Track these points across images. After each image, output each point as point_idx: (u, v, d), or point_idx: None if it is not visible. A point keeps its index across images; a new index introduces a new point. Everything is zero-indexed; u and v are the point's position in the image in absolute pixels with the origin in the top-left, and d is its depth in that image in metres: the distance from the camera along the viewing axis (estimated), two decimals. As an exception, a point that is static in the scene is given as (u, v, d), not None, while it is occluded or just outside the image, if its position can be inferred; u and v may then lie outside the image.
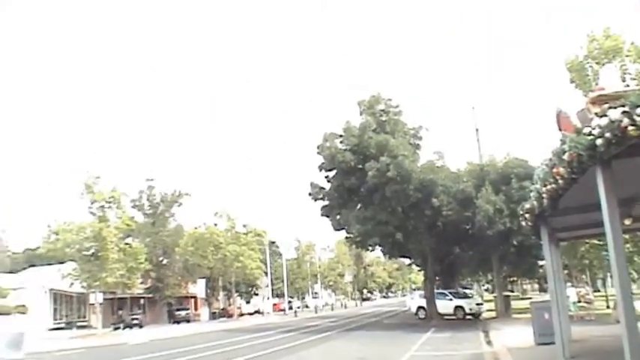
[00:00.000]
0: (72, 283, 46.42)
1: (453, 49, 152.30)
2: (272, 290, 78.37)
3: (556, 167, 8.88)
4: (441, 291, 45.32)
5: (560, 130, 9.29)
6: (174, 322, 60.91)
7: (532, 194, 11.39)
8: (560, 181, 9.00)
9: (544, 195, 10.17)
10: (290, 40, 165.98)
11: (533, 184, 11.70)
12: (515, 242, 34.51)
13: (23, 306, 55.26)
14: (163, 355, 24.89)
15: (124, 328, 52.66)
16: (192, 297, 74.23)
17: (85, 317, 60.62)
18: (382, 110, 41.52)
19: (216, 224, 63.29)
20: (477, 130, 42.48)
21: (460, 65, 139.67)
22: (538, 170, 11.04)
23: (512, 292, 67.19)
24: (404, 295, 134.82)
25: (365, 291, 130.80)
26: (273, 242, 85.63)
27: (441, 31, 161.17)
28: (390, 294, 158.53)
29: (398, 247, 44.84)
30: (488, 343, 22.96)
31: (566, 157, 8.32)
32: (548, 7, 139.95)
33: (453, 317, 42.03)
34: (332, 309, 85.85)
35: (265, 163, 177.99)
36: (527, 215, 12.80)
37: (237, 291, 71.77)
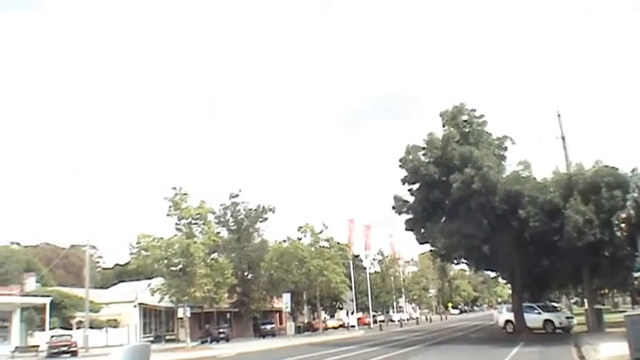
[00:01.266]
0: (161, 298, 47.52)
1: (528, 51, 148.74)
2: (356, 304, 78.10)
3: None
4: (529, 304, 44.05)
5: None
6: (260, 336, 61.54)
7: (628, 203, 10.94)
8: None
9: (642, 203, 9.72)
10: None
11: (627, 192, 11.22)
12: (606, 253, 33.11)
13: (115, 320, 57.25)
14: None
15: (211, 342, 53.58)
16: (277, 311, 74.93)
17: (173, 331, 62.12)
18: (465, 121, 40.74)
19: (300, 238, 63.66)
20: (563, 137, 41.13)
21: (541, 68, 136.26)
22: (635, 178, 10.59)
23: (603, 305, 64.59)
24: (490, 309, 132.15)
25: (450, 305, 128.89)
26: (357, 256, 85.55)
27: (513, 31, 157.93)
28: (475, 307, 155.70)
29: (484, 260, 43.98)
30: (581, 358, 22.07)
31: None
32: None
33: (542, 331, 40.74)
34: (417, 323, 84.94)
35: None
36: (622, 225, 12.31)
37: (321, 305, 71.87)
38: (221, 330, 58.34)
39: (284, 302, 58.61)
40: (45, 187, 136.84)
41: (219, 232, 56.95)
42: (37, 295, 52.43)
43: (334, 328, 75.93)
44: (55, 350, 41.07)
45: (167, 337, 58.18)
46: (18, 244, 78.69)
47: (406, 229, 43.93)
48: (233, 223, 67.71)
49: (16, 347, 44.39)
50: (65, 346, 41.95)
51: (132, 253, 47.23)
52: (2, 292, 51.31)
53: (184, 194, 46.24)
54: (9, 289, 53.75)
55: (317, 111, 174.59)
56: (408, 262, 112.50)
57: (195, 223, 46.77)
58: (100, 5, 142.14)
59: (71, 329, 50.16)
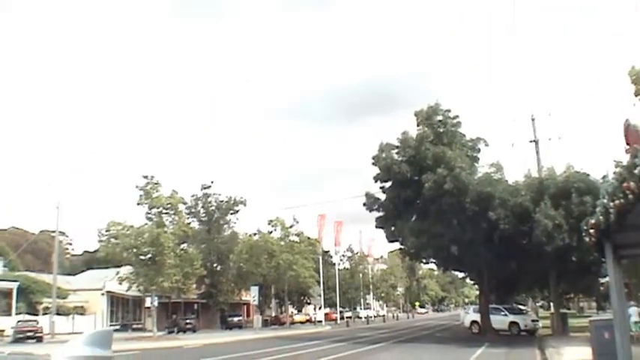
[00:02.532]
0: (129, 287, 47.21)
1: (508, 52, 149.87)
2: (324, 299, 78.36)
3: (627, 181, 8.67)
4: (495, 306, 44.67)
5: (628, 143, 9.07)
6: (227, 328, 61.49)
7: (598, 209, 11.12)
8: (630, 196, 8.77)
9: (611, 210, 9.92)
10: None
11: (596, 198, 11.43)
12: (574, 259, 33.58)
13: (82, 307, 56.83)
14: (218, 360, 25.16)
15: (177, 332, 53.42)
16: (244, 304, 74.94)
17: (140, 320, 61.88)
18: (440, 121, 41.04)
19: (270, 232, 63.65)
20: (536, 141, 41.68)
21: (518, 72, 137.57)
22: (606, 184, 10.79)
23: (569, 309, 65.63)
24: (457, 309, 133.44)
25: (417, 304, 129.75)
26: (327, 251, 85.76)
27: (497, 31, 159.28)
28: (442, 307, 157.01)
29: (453, 261, 44.36)
30: (545, 360, 22.49)
31: (637, 171, 8.12)
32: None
33: (508, 333, 41.36)
34: (384, 320, 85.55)
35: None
36: (591, 231, 12.49)
37: (289, 299, 72.00)
38: (188, 321, 58.14)
39: (252, 295, 58.66)
40: (15, 171, 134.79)
41: (189, 223, 56.55)
42: (3, 280, 51.86)
43: (301, 322, 76.04)
44: (21, 335, 40.63)
45: (134, 326, 57.87)
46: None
47: (377, 227, 44.20)
48: (204, 214, 67.45)
49: (-19, 331, 43.87)
50: (31, 331, 41.53)
51: (101, 241, 46.72)
52: (-32, 276, 50.76)
53: (156, 183, 45.84)
54: (-25, 273, 53.18)
55: (290, 104, 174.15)
56: (378, 259, 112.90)
57: (165, 213, 46.43)
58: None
59: (38, 315, 49.66)
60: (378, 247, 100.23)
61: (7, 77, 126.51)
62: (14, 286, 48.24)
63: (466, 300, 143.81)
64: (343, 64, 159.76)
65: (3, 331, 43.52)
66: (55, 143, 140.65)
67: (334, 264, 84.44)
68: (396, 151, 40.82)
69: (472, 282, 63.34)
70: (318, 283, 72.74)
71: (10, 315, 46.77)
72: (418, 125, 41.14)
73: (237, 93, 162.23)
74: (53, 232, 51.12)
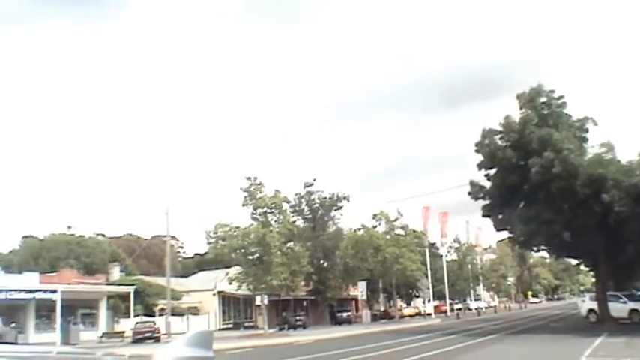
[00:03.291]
0: (239, 286, 48.34)
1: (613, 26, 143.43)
2: (433, 292, 77.35)
3: None
4: (614, 293, 42.58)
5: None
6: (336, 324, 61.73)
7: None
8: None
9: None
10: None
11: None
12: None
13: (195, 307, 58.70)
14: (330, 355, 25.19)
15: (288, 329, 54.20)
16: (353, 299, 75.06)
17: (251, 318, 63.33)
18: (543, 103, 39.49)
19: (375, 226, 63.48)
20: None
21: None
22: None
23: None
24: (572, 297, 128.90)
25: (529, 293, 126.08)
26: (433, 243, 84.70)
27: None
28: (556, 296, 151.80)
29: (565, 247, 42.78)
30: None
31: None
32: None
33: (628, 321, 39.33)
34: (495, 311, 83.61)
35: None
36: None
37: (397, 293, 71.54)
38: (298, 317, 58.89)
39: (359, 290, 58.70)
40: (127, 181, 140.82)
41: (294, 221, 57.35)
42: (121, 284, 54.29)
43: (410, 316, 75.44)
44: (140, 336, 42.29)
45: (245, 324, 59.27)
46: (103, 235, 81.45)
47: (483, 216, 43.25)
48: (308, 212, 68.00)
49: (104, 333, 46.27)
50: (149, 332, 43.13)
51: (210, 243, 48.14)
52: (90, 281, 53.47)
53: (259, 184, 46.72)
54: (96, 279, 55.94)
55: (389, 94, 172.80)
56: (486, 249, 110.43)
57: (270, 213, 47.28)
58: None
59: (154, 316, 51.65)
60: (485, 236, 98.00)
61: (109, 84, 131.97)
62: (131, 289, 50.28)
63: (581, 288, 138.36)
64: (442, 51, 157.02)
65: (123, 332, 45.50)
66: (161, 150, 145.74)
67: (441, 256, 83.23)
68: (500, 136, 39.70)
69: (587, 268, 60.65)
70: (426, 275, 71.92)
71: (128, 317, 48.81)
72: (521, 108, 39.78)
73: (337, 85, 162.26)
74: (164, 236, 52.96)
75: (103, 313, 50.10)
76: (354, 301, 76.38)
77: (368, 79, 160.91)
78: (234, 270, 49.76)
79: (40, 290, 44.14)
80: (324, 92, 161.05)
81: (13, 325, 40.75)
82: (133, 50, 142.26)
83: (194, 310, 58.13)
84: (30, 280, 47.08)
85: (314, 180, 68.31)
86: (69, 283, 47.81)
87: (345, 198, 67.85)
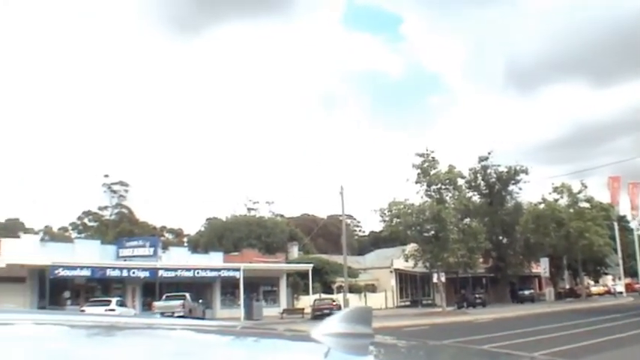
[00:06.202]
0: (415, 264, 48.04)
1: None
2: (623, 269, 72.40)
3: None
4: None
5: None
6: (518, 302, 59.60)
7: None
8: None
9: None
10: None
11: None
12: None
13: (372, 285, 59.17)
14: (511, 335, 23.97)
15: (467, 307, 53.04)
16: (535, 276, 72.03)
17: (429, 296, 62.82)
18: None
19: (556, 200, 60.36)
20: None
21: None
22: None
23: None
24: None
25: None
26: (623, 217, 79.09)
27: None
28: None
29: None
30: None
31: None
32: None
33: None
34: None
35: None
36: None
37: (584, 270, 67.73)
38: (477, 295, 57.59)
39: (542, 267, 56.06)
40: (303, 162, 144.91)
41: (470, 197, 55.94)
42: (300, 262, 55.81)
43: (599, 294, 71.43)
44: (319, 313, 43.10)
45: (423, 302, 58.91)
46: (282, 216, 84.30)
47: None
48: (484, 187, 65.87)
49: (284, 309, 47.87)
50: (327, 309, 43.82)
51: (384, 221, 48.18)
52: (270, 260, 55.45)
53: (433, 160, 45.97)
54: (275, 257, 57.95)
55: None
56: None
57: (445, 189, 46.48)
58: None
59: (332, 293, 52.61)
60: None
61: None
62: (309, 267, 51.42)
63: None
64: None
65: (303, 309, 46.67)
66: (335, 129, 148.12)
67: (632, 230, 77.56)
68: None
69: None
70: (615, 251, 67.36)
71: (307, 294, 49.99)
72: None
73: (509, 49, 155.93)
74: (340, 215, 53.60)
75: (283, 290, 51.96)
76: (536, 279, 73.34)
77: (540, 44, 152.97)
78: (410, 247, 49.57)
79: (224, 269, 46.54)
80: (491, 58, 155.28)
81: (201, 301, 43.08)
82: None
83: (371, 288, 58.66)
84: (215, 259, 49.81)
85: (489, 153, 65.94)
86: (250, 262, 49.83)
87: (523, 171, 64.88)
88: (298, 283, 53.03)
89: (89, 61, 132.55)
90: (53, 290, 38.58)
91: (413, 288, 64.21)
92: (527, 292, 63.13)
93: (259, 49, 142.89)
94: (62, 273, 38.93)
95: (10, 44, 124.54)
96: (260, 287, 50.36)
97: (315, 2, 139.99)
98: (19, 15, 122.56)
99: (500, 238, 64.54)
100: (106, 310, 33.37)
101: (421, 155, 46.15)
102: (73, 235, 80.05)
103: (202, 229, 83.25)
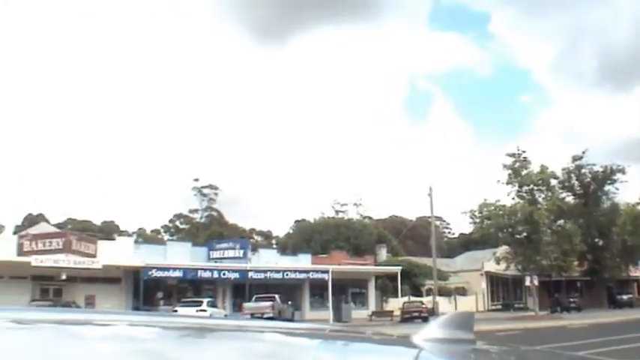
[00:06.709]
0: (507, 267, 47.26)
1: None
2: None
3: None
4: None
5: None
6: (615, 307, 57.44)
7: None
8: None
9: None
10: None
11: None
12: None
13: (462, 288, 58.37)
14: (608, 341, 23.08)
15: (561, 311, 51.57)
16: (634, 280, 69.25)
17: (521, 299, 61.40)
18: None
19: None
20: None
21: None
22: None
23: None
24: None
25: None
26: None
27: None
28: None
29: None
30: None
31: None
32: None
33: None
34: None
35: None
36: None
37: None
38: (571, 299, 56.01)
39: (640, 270, 54.10)
40: (390, 164, 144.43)
41: (563, 198, 54.40)
42: (388, 265, 55.61)
43: None
44: (408, 315, 42.88)
45: (515, 306, 57.65)
46: (369, 218, 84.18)
47: None
48: (579, 187, 63.81)
49: (373, 312, 47.92)
50: (417, 311, 43.57)
51: (475, 223, 47.58)
52: (358, 262, 55.51)
53: (524, 161, 45.14)
54: (364, 260, 57.97)
55: None
56: None
57: (537, 189, 45.48)
58: None
59: (421, 296, 52.24)
60: None
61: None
62: (398, 269, 51.19)
63: None
64: None
65: (392, 311, 46.51)
66: (422, 130, 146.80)
67: None
68: None
69: None
70: None
71: (396, 297, 49.77)
72: None
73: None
74: (429, 217, 53.17)
75: (371, 292, 51.96)
76: (635, 283, 70.47)
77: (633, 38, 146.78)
78: (502, 250, 48.74)
79: (313, 271, 46.96)
80: (582, 54, 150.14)
81: (290, 303, 43.55)
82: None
83: (461, 291, 57.88)
84: (303, 261, 50.37)
85: (583, 152, 63.81)
86: (339, 264, 50.03)
87: (620, 170, 62.45)
88: (387, 286, 52.86)
89: (180, 65, 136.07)
90: (147, 291, 39.97)
91: (504, 291, 62.95)
92: (625, 297, 60.72)
93: (345, 50, 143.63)
94: (155, 274, 40.34)
95: (107, 51, 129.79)
96: (348, 289, 50.44)
97: (400, 3, 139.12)
98: (108, 22, 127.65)
99: (596, 240, 62.37)
100: (197, 311, 34.25)
101: (512, 155, 45.49)
102: (165, 237, 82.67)
103: (291, 231, 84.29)
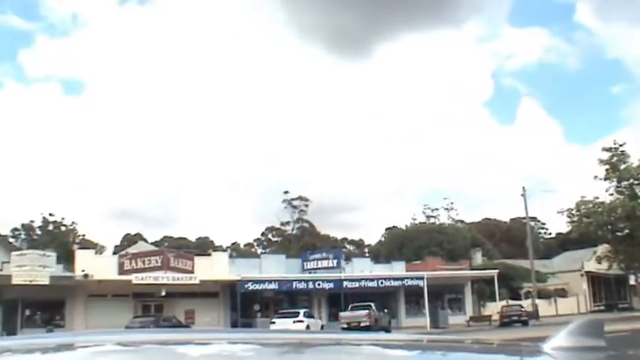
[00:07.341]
0: (609, 266, 45.66)
1: None
2: None
3: None
4: None
5: None
6: None
7: None
8: None
9: None
10: None
11: None
12: None
13: (562, 289, 56.70)
14: None
15: (671, 311, 49.37)
16: None
17: (625, 299, 59.12)
18: None
19: None
20: None
21: None
22: None
23: None
24: None
25: None
26: None
27: None
28: None
29: None
30: None
31: None
32: None
33: None
34: None
35: None
36: None
37: None
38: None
39: None
40: (481, 163, 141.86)
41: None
42: (484, 268, 54.60)
43: None
44: (507, 319, 42.06)
45: (619, 306, 55.40)
46: (462, 222, 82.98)
47: None
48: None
49: (471, 317, 47.21)
50: (516, 315, 42.68)
51: (572, 221, 46.26)
52: (454, 267, 54.76)
53: (622, 154, 43.53)
54: (459, 264, 57.08)
55: None
56: None
57: (638, 184, 43.81)
58: None
59: (520, 299, 51.06)
60: None
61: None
62: (494, 273, 50.23)
63: None
64: None
65: (490, 316, 45.68)
66: (515, 131, 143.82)
67: None
68: None
69: None
70: None
71: (494, 301, 48.83)
72: None
73: None
74: (524, 218, 52.02)
75: (468, 297, 51.20)
76: None
77: None
78: (603, 248, 47.16)
79: (407, 278, 46.62)
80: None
81: (386, 311, 43.47)
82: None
83: (561, 293, 56.21)
84: (397, 268, 50.07)
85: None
86: (434, 270, 49.49)
87: None
88: (484, 290, 51.88)
89: (266, 81, 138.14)
90: (243, 303, 40.69)
91: (607, 291, 60.60)
92: None
93: (428, 54, 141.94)
94: (251, 287, 41.04)
95: (195, 63, 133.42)
96: (444, 295, 49.86)
97: (480, 2, 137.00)
98: (191, 40, 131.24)
99: None
100: (294, 322, 34.71)
101: (608, 149, 43.97)
102: (259, 250, 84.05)
103: (382, 239, 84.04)
